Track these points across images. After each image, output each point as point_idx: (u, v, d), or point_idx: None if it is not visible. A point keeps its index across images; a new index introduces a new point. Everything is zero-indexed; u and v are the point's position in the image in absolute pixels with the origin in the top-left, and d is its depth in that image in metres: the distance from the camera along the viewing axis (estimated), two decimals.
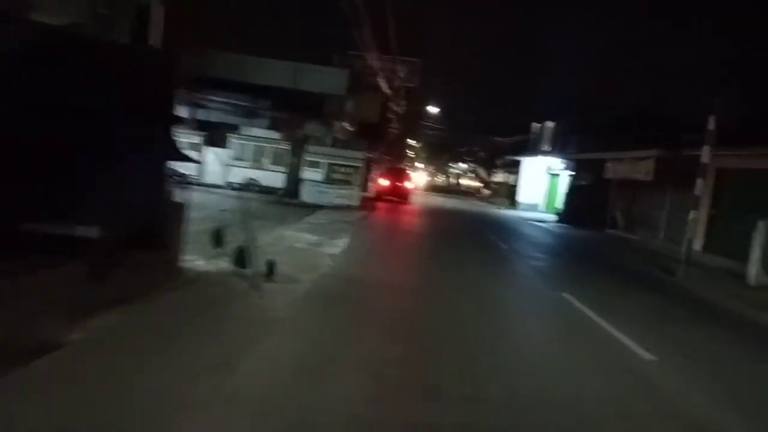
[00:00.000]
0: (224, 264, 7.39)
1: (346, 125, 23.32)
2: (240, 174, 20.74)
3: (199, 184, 20.64)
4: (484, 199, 47.27)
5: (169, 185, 7.11)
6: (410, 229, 17.89)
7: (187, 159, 8.44)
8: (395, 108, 28.95)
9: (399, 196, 28.41)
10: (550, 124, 37.61)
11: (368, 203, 22.35)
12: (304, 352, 5.00)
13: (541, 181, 35.88)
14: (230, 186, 20.59)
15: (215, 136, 20.54)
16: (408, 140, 48.62)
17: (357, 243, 12.08)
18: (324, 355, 4.99)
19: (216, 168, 20.72)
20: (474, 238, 17.67)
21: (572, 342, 6.41)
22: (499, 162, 44.16)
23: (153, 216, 6.66)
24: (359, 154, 20.46)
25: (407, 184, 28.83)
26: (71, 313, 5.19)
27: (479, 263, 11.94)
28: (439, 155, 68.98)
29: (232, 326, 5.52)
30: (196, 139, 20.72)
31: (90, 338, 4.89)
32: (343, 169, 20.16)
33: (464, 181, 61.67)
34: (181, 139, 21.57)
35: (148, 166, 6.48)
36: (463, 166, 72.98)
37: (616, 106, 26.68)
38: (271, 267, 7.34)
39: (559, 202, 32.79)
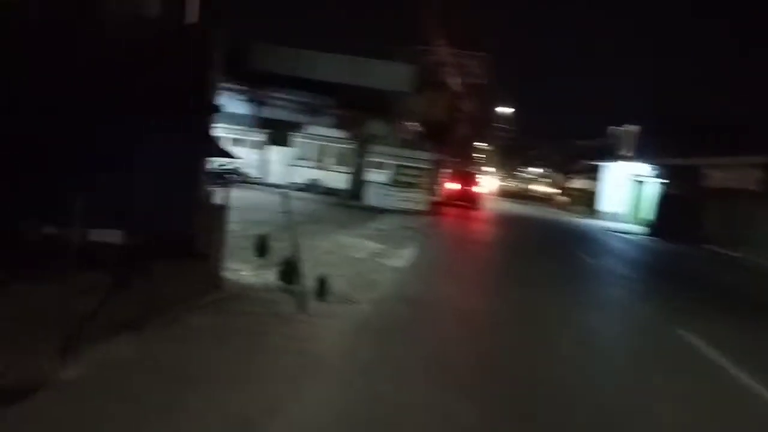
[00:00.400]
0: (272, 276, 6.31)
1: (412, 124, 22.06)
2: (303, 174, 19.97)
3: (261, 184, 20.05)
4: (559, 206, 44.61)
5: (206, 184, 6.11)
6: (482, 239, 16.37)
7: (228, 155, 7.41)
8: (464, 107, 27.37)
9: (468, 200, 26.82)
10: (631, 128, 34.72)
11: (435, 208, 20.99)
12: (353, 410, 3.76)
13: (625, 189, 33.11)
14: (293, 186, 19.86)
15: (278, 134, 19.86)
16: (477, 143, 46.65)
17: (424, 254, 10.78)
18: (379, 416, 3.72)
19: (279, 167, 20.04)
20: (555, 251, 15.92)
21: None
22: (576, 167, 41.45)
23: (185, 219, 5.67)
24: (426, 156, 19.14)
25: (476, 189, 27.18)
26: (71, 340, 4.20)
27: (566, 283, 10.30)
28: (510, 159, 66.49)
29: (266, 365, 4.35)
30: (259, 137, 20.15)
31: (86, 376, 3.85)
32: (409, 171, 18.92)
33: (537, 187, 58.84)
34: (245, 137, 21.29)
35: (180, 162, 5.48)
36: (535, 170, 70.09)
37: (711, 109, 23.90)
38: (322, 284, 6.17)
39: (646, 212, 30.05)
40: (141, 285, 5.07)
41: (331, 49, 20.62)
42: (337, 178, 19.75)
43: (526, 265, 11.93)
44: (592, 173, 37.01)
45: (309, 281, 6.05)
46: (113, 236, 5.35)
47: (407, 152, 19.42)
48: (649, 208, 30.11)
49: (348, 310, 6.05)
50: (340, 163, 20.01)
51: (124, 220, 5.27)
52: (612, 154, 37.46)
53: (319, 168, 19.99)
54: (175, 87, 5.37)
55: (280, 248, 6.34)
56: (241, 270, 6.81)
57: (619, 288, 10.56)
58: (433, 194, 23.40)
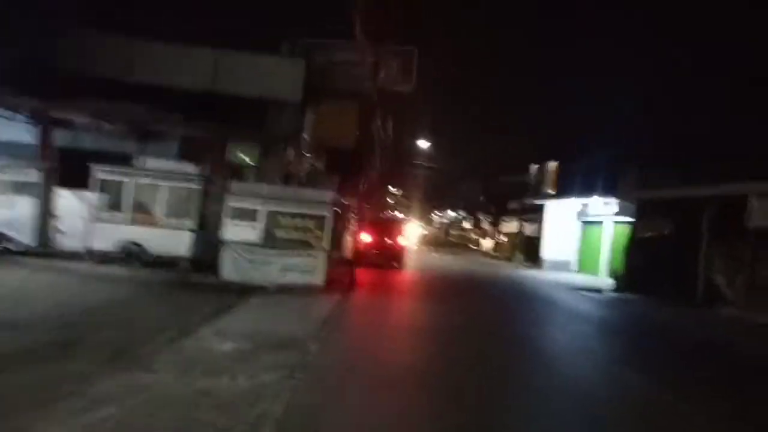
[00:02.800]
0: None
1: (305, 153, 15.26)
2: (114, 234, 12.17)
3: (42, 254, 12.09)
4: (488, 254, 39.23)
5: None
6: (423, 326, 9.62)
7: None
8: (381, 130, 21.08)
9: (389, 257, 20.18)
10: (552, 164, 30.33)
11: (341, 274, 14.02)
12: None
13: (571, 232, 28.06)
14: (95, 256, 12.06)
15: (73, 171, 12.15)
16: (394, 183, 40.53)
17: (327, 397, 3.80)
18: None
19: (75, 224, 12.19)
20: (532, 336, 9.41)
21: None
22: (508, 207, 36.37)
23: None
24: (326, 197, 12.21)
25: (400, 240, 20.60)
26: None
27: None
28: (424, 201, 61.35)
29: None
30: (30, 175, 12.32)
31: None
32: (297, 222, 11.86)
33: (462, 233, 53.64)
34: (18, 178, 13.19)
35: None
36: (451, 214, 65.46)
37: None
38: None
39: (596, 259, 24.94)
40: None
41: (180, 36, 13.59)
42: (175, 240, 12.20)
43: (512, 383, 5.25)
44: (528, 214, 31.92)
45: None
46: None
47: (294, 192, 12.36)
48: (602, 255, 25.07)
49: None
50: (178, 213, 12.49)
51: None
52: (537, 193, 32.84)
53: (144, 223, 12.30)
54: None
55: None
56: None
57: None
58: (339, 252, 16.38)
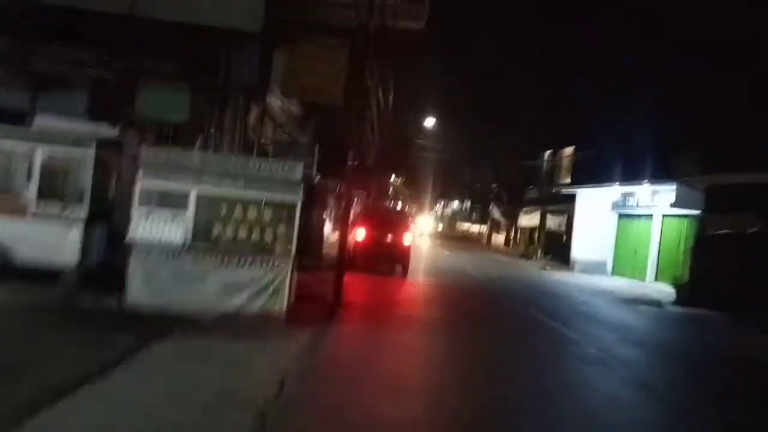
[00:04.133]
0: None
1: (276, 105, 10.98)
2: None
3: None
4: (501, 250, 35.02)
5: None
6: (454, 404, 5.46)
7: None
8: (379, 94, 16.67)
9: (390, 260, 16.00)
10: (568, 150, 26.39)
11: (320, 284, 9.86)
12: None
13: (607, 227, 23.86)
14: None
15: None
16: (389, 170, 36.06)
17: None
18: None
19: None
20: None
21: None
22: (530, 196, 32.08)
23: None
24: (296, 174, 7.84)
25: (405, 238, 16.34)
26: None
27: None
28: (429, 190, 57.02)
29: None
30: None
31: None
32: (249, 214, 7.59)
33: (466, 225, 49.26)
34: None
35: None
36: (458, 204, 61.29)
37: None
38: None
39: (650, 261, 20.74)
40: None
41: None
42: (55, 237, 7.86)
43: None
44: (553, 204, 27.68)
45: None
46: None
47: (248, 168, 7.95)
48: (649, 256, 20.87)
49: None
50: (65, 197, 8.10)
51: None
52: (551, 181, 28.84)
53: (5, 212, 7.91)
54: None
55: None
56: None
57: None
58: (317, 255, 12.05)
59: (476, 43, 30.69)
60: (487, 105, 34.74)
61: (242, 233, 7.66)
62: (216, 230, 7.65)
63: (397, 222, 16.74)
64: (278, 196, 7.71)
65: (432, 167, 42.39)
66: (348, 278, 12.01)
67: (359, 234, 16.19)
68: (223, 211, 7.65)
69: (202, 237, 7.62)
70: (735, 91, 15.05)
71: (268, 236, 7.69)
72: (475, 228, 46.80)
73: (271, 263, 7.63)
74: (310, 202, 8.61)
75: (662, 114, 18.20)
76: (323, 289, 10.02)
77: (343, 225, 9.81)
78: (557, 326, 10.59)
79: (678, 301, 15.84)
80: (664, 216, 20.26)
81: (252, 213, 7.67)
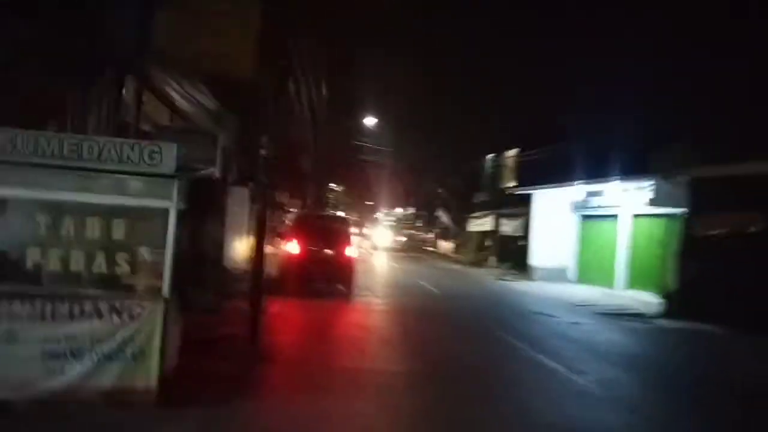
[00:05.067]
0: None
1: (170, 85, 8.02)
2: None
3: None
4: (450, 258, 32.80)
5: None
6: None
7: None
8: (308, 78, 13.73)
9: (331, 276, 13.25)
10: (512, 152, 24.86)
11: (230, 324, 6.96)
12: None
13: (568, 230, 21.94)
14: None
15: None
16: (327, 176, 33.06)
17: None
18: None
19: None
20: None
21: None
22: (480, 199, 29.99)
23: None
24: (169, 162, 4.87)
25: (347, 250, 13.57)
26: None
27: None
28: (369, 197, 54.57)
29: None
30: None
31: None
32: (94, 228, 4.65)
33: (409, 233, 46.89)
34: None
35: None
36: (400, 211, 59.13)
37: None
38: None
39: (619, 266, 18.83)
40: None
41: None
42: None
43: None
44: (506, 207, 25.64)
45: None
46: None
47: (89, 154, 4.88)
48: (617, 260, 18.98)
49: None
50: None
51: None
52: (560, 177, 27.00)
53: None
54: None
55: None
56: None
57: None
58: (220, 289, 8.97)
59: (424, 33, 28.32)
60: (430, 105, 32.55)
61: (76, 262, 4.67)
62: (32, 259, 4.63)
63: (338, 232, 13.91)
64: (136, 201, 4.78)
65: (374, 172, 39.70)
66: (275, 307, 9.15)
67: (291, 247, 13.33)
68: (42, 228, 4.64)
69: (8, 271, 4.59)
70: (722, 74, 13.22)
71: (122, 266, 4.74)
72: (421, 235, 44.44)
73: (127, 310, 4.68)
74: (205, 210, 5.74)
75: (637, 103, 16.35)
76: (234, 329, 7.12)
77: (258, 238, 6.94)
78: (543, 360, 8.08)
79: (666, 313, 13.85)
80: (634, 216, 18.41)
81: (93, 229, 4.71)
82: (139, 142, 4.91)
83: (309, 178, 27.24)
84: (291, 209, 19.75)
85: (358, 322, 10.23)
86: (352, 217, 16.41)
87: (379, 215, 66.66)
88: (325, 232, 13.75)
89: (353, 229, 16.00)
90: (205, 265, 6.29)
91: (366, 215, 59.41)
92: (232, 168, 17.69)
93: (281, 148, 17.23)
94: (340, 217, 16.48)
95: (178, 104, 8.53)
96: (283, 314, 9.80)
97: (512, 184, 26.01)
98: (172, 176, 4.85)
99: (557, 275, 21.37)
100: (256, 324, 6.97)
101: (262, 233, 6.74)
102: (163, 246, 4.78)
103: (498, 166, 29.16)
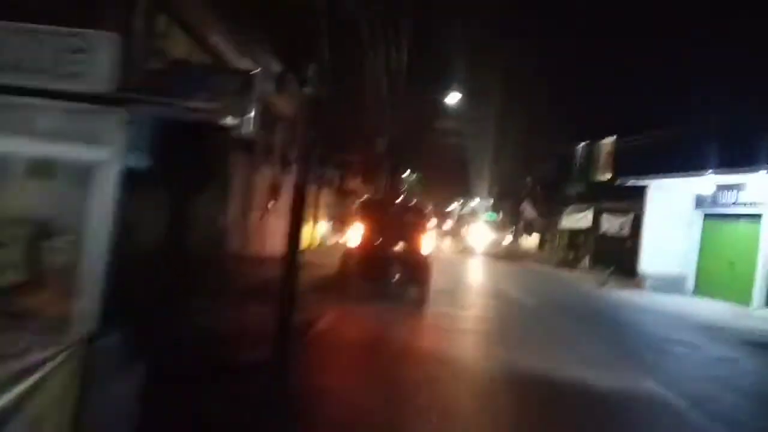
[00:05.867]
0: None
1: None
2: None
3: None
4: (533, 257, 29.62)
5: None
6: None
7: None
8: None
9: (402, 277, 10.77)
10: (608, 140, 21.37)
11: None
12: None
13: (687, 231, 18.42)
14: None
15: None
16: (402, 158, 30.47)
17: None
18: None
19: None
20: None
21: None
22: (574, 191, 26.62)
23: None
24: (91, 63, 2.59)
25: (423, 244, 11.10)
26: None
27: None
28: (447, 185, 51.69)
29: None
30: None
31: None
32: None
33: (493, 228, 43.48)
34: None
35: None
36: (479, 202, 55.93)
37: None
38: None
39: (759, 279, 15.20)
40: None
41: None
42: None
43: None
44: (610, 201, 22.27)
45: None
46: None
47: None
48: (757, 271, 15.34)
49: None
50: None
51: None
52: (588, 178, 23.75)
53: None
54: None
55: None
56: None
57: None
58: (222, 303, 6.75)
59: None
60: (519, 85, 29.31)
61: None
62: None
63: (412, 223, 11.41)
64: (40, 146, 2.52)
65: (454, 157, 36.70)
66: (329, 317, 6.91)
67: (353, 237, 11.04)
68: None
69: None
70: None
71: (4, 273, 2.51)
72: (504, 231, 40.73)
73: (12, 359, 2.43)
74: (203, 179, 3.47)
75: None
76: (251, 353, 4.87)
77: (294, 222, 4.63)
78: None
79: None
80: None
81: None
82: (53, 29, 2.61)
83: (383, 160, 24.96)
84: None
85: (437, 350, 7.60)
86: (430, 207, 14.37)
87: (454, 206, 63.37)
88: (396, 224, 11.29)
89: (431, 222, 13.47)
90: (200, 260, 4.14)
91: (443, 206, 56.68)
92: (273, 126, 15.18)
93: (347, 112, 14.69)
94: (415, 206, 13.97)
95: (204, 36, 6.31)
96: (335, 331, 7.50)
97: (609, 174, 22.68)
98: (111, 100, 2.55)
99: (672, 285, 17.97)
100: (284, 351, 4.66)
101: (298, 218, 4.44)
102: (88, 236, 2.49)
103: (593, 152, 25.67)
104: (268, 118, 13.52)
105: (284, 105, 13.93)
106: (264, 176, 14.27)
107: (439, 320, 9.59)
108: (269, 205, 14.59)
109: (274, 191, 14.80)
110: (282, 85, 12.89)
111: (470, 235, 36.98)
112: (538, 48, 26.40)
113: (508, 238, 36.42)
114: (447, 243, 37.31)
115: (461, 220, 49.55)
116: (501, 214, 40.85)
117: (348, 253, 11.13)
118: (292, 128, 15.16)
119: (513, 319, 11.10)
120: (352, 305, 9.43)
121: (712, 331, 11.67)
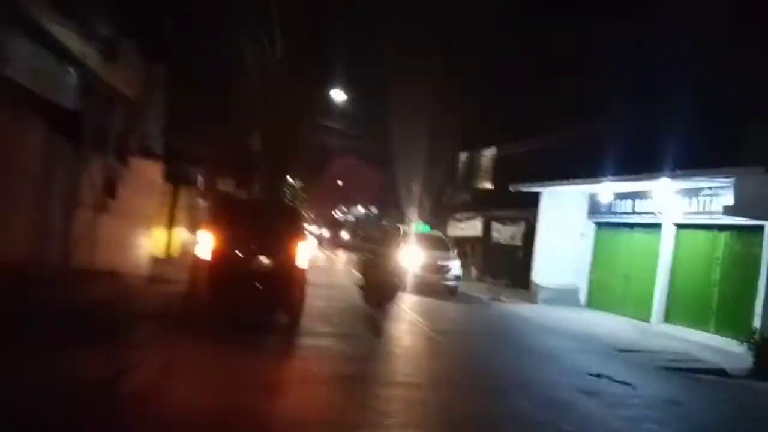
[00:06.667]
0: None
1: None
2: None
3: None
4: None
5: None
6: None
7: None
8: None
9: (265, 300, 8.35)
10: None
11: None
12: None
13: (580, 241, 17.68)
14: None
15: None
16: (283, 163, 27.76)
17: None
18: None
19: None
20: None
21: None
22: (462, 199, 25.52)
23: None
24: None
25: (297, 253, 8.72)
26: None
27: None
28: (329, 193, 49.77)
29: None
30: None
31: None
32: None
33: (373, 235, 41.87)
34: None
35: None
36: (362, 210, 54.62)
37: None
38: None
39: (659, 291, 14.53)
40: None
41: None
42: None
43: None
44: (501, 210, 21.27)
45: None
46: None
47: None
48: (657, 284, 14.69)
49: None
50: None
51: None
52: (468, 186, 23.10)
53: None
54: None
55: None
56: None
57: None
58: None
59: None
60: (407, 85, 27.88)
61: None
62: None
63: (281, 228, 9.00)
64: None
65: (340, 162, 34.58)
66: (158, 355, 4.49)
67: (204, 245, 8.46)
68: None
69: None
70: None
71: None
72: (387, 238, 39.43)
73: None
74: None
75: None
76: None
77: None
78: None
79: (757, 371, 9.65)
80: (678, 227, 14.25)
81: None
82: None
83: (260, 161, 22.22)
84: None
85: (313, 410, 5.32)
86: (307, 212, 12.17)
87: (335, 213, 61.69)
88: (263, 228, 8.85)
89: (306, 227, 11.15)
90: None
91: (325, 212, 54.67)
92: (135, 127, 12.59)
93: (210, 96, 12.54)
94: (285, 204, 11.56)
95: None
96: (148, 394, 4.90)
97: (489, 184, 21.99)
98: None
99: (565, 298, 17.14)
100: None
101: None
102: None
103: (473, 161, 24.94)
104: (98, 95, 10.61)
105: (122, 82, 11.13)
106: (96, 168, 11.24)
107: (311, 357, 7.27)
108: (103, 205, 11.54)
109: (110, 188, 11.77)
110: (113, 53, 10.19)
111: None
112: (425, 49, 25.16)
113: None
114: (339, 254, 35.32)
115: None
116: (388, 223, 39.47)
117: (198, 266, 8.50)
118: (134, 112, 12.28)
119: (393, 343, 9.04)
120: (192, 341, 6.86)
121: (619, 353, 10.44)
